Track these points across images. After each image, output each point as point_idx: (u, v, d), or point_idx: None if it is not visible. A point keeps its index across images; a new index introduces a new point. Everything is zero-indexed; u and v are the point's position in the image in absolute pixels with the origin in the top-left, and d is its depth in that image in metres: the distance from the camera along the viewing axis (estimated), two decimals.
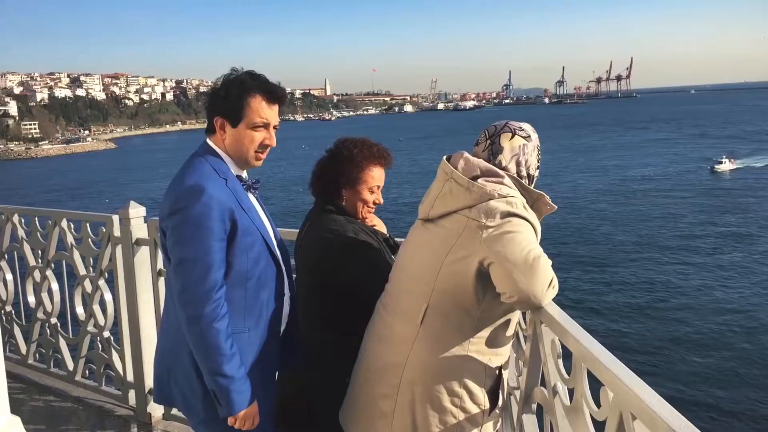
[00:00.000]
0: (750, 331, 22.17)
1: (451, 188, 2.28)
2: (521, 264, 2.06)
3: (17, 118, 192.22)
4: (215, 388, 2.25)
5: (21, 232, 5.07)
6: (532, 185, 2.37)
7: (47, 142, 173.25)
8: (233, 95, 2.34)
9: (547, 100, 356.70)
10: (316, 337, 2.69)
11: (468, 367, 2.26)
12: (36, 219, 4.98)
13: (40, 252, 5.00)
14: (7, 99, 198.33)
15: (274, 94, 2.40)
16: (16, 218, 5.08)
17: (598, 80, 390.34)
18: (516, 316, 2.38)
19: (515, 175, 2.32)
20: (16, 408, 4.59)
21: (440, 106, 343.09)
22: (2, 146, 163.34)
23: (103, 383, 4.71)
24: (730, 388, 17.96)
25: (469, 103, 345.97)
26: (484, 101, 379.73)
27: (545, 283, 2.08)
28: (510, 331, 2.35)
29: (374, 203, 2.80)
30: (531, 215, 2.22)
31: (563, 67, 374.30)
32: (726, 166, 58.68)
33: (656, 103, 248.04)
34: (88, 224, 4.60)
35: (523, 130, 2.40)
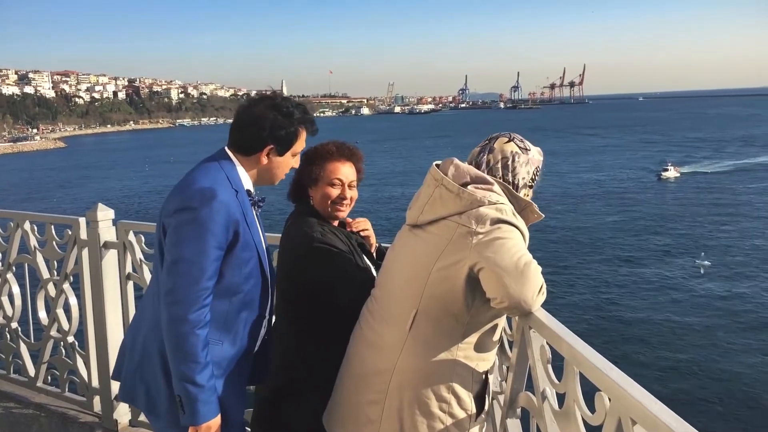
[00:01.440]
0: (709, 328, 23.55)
1: (441, 194, 2.30)
2: (512, 270, 2.09)
3: None
4: (182, 394, 2.21)
5: None
6: (527, 196, 2.41)
7: None
8: (291, 127, 2.39)
9: (502, 105, 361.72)
10: (291, 342, 2.69)
11: (456, 373, 2.28)
12: None
13: (0, 255, 4.86)
14: None
15: (314, 127, 2.52)
16: None
17: (552, 86, 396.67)
18: (502, 322, 2.41)
19: (501, 180, 2.37)
20: None
21: (397, 109, 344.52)
22: None
23: (67, 389, 4.60)
24: (710, 383, 18.99)
25: (425, 107, 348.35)
26: (440, 105, 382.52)
27: (535, 288, 2.12)
28: (496, 336, 2.38)
29: (340, 197, 2.78)
30: (520, 222, 2.26)
31: (518, 73, 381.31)
32: (671, 173, 60.50)
33: (607, 110, 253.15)
34: (53, 226, 4.48)
35: (522, 141, 2.45)
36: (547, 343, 2.13)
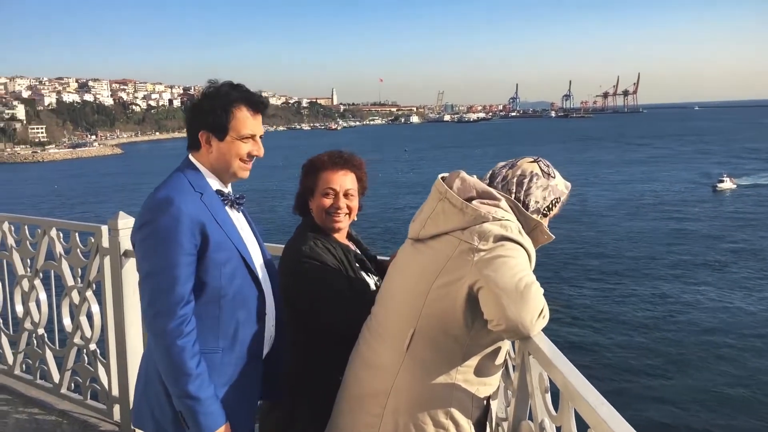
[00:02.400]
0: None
1: (444, 208, 2.19)
2: (511, 290, 1.96)
3: (25, 121, 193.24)
4: (182, 409, 2.16)
5: (10, 241, 4.98)
6: (539, 218, 2.29)
7: (54, 146, 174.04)
8: (218, 108, 2.29)
9: (553, 114, 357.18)
10: (295, 365, 2.63)
11: (455, 397, 2.16)
12: (26, 227, 4.89)
13: (29, 261, 4.92)
14: (15, 103, 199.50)
15: (258, 104, 2.36)
16: (6, 226, 5.00)
17: (605, 95, 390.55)
18: (506, 345, 2.28)
19: (512, 197, 2.24)
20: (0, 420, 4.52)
21: (446, 117, 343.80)
22: (9, 150, 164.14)
23: (89, 397, 4.61)
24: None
25: (473, 116, 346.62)
26: (491, 113, 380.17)
27: (535, 312, 1.98)
28: (499, 360, 2.26)
29: (334, 207, 2.70)
30: (526, 240, 2.13)
31: (570, 81, 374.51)
32: (727, 185, 58.37)
33: (661, 119, 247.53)
34: (77, 234, 4.51)
35: (548, 167, 2.34)
36: (545, 371, 1.99)
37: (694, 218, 44.71)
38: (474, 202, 2.16)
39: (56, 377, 4.79)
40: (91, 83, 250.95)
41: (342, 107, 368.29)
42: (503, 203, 2.19)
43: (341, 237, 2.78)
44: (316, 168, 2.75)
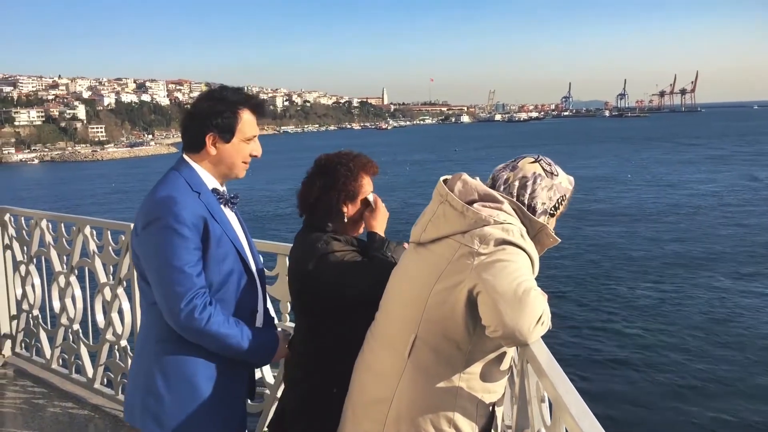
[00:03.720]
0: None
1: (445, 212, 2.14)
2: (509, 296, 1.88)
3: (85, 121, 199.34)
4: (254, 361, 2.50)
5: (48, 238, 5.12)
6: (546, 219, 2.22)
7: (113, 145, 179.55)
8: (227, 111, 2.37)
9: (607, 113, 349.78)
10: (310, 347, 2.62)
11: (458, 405, 2.09)
12: (62, 225, 5.02)
13: (65, 258, 5.04)
14: (76, 103, 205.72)
15: (261, 107, 2.47)
16: (44, 224, 5.14)
17: (662, 94, 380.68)
18: (511, 350, 2.20)
19: (516, 200, 2.17)
20: (36, 413, 4.64)
21: (497, 117, 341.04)
22: (70, 148, 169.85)
23: (120, 392, 4.69)
24: None
25: (524, 115, 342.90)
26: (542, 113, 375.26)
27: (533, 319, 1.90)
28: (504, 366, 2.18)
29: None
30: (528, 244, 2.05)
31: (625, 80, 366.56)
32: None
33: (720, 118, 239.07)
34: (108, 232, 4.62)
35: (550, 165, 2.26)
36: (539, 381, 1.92)
37: (749, 220, 42.81)
38: (475, 205, 2.10)
39: (90, 372, 4.90)
40: (148, 84, 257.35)
41: (392, 107, 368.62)
42: (506, 206, 2.12)
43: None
44: (364, 171, 2.70)
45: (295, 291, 2.68)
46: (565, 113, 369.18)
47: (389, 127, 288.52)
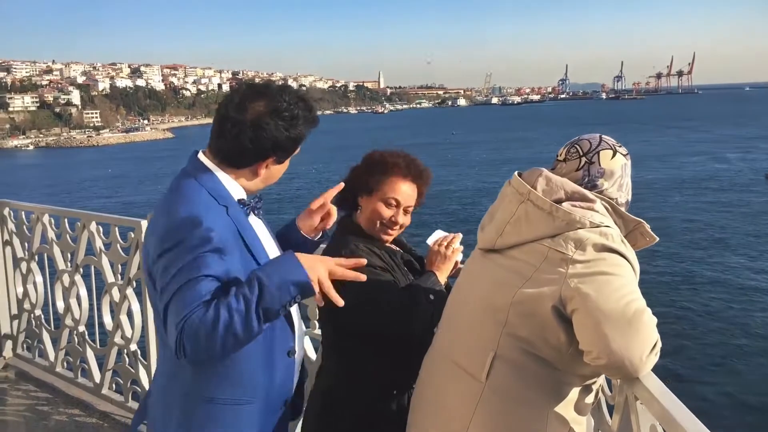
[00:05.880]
0: None
1: (528, 212, 1.81)
2: (617, 317, 1.58)
3: (80, 106, 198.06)
4: (282, 305, 1.72)
5: (51, 234, 4.79)
6: (627, 211, 1.90)
7: (108, 130, 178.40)
8: (297, 134, 1.94)
9: (604, 96, 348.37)
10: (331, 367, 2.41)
11: None
12: (66, 220, 4.69)
13: (69, 255, 4.72)
14: (70, 88, 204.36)
15: (315, 125, 2.03)
16: (46, 218, 4.81)
17: (659, 76, 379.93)
18: (601, 379, 1.90)
19: (615, 202, 1.86)
20: (40, 420, 4.35)
21: (494, 100, 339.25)
22: (65, 134, 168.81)
23: (130, 399, 4.39)
24: None
25: (517, 98, 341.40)
26: (539, 96, 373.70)
27: (646, 346, 1.60)
28: (590, 398, 1.86)
29: (391, 221, 2.35)
30: (630, 252, 1.74)
31: (622, 62, 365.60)
32: None
33: (716, 101, 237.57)
34: (117, 228, 4.28)
35: (621, 146, 1.94)
36: (660, 425, 1.59)
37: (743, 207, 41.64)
38: (564, 204, 1.78)
39: (97, 377, 4.58)
40: (143, 68, 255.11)
41: (389, 90, 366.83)
42: (598, 205, 1.79)
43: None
44: (388, 169, 2.36)
45: None
46: (562, 96, 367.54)
47: (386, 111, 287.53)
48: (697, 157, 68.07)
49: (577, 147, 1.94)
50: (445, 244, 2.43)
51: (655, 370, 1.67)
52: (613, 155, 1.91)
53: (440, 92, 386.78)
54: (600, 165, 1.89)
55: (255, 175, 1.97)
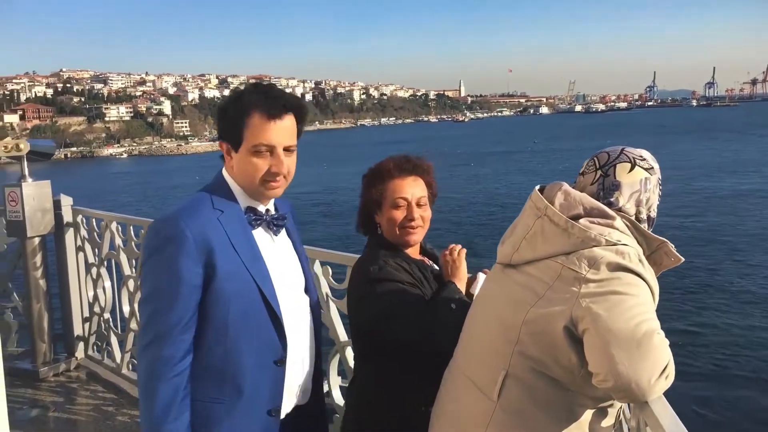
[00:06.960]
0: None
1: (544, 228, 1.75)
2: (626, 338, 1.51)
3: (170, 116, 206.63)
4: None
5: (118, 240, 5.02)
6: (651, 230, 1.80)
7: (196, 139, 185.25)
8: (231, 114, 1.93)
9: (694, 103, 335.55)
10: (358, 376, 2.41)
11: None
12: (131, 227, 4.91)
13: (134, 261, 4.92)
14: (162, 99, 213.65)
15: (275, 107, 1.91)
16: (114, 226, 5.04)
17: (754, 82, 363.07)
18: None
19: (633, 218, 1.76)
20: (105, 420, 4.52)
21: (578, 108, 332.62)
22: (156, 143, 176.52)
23: None
24: None
25: (601, 106, 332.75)
26: (626, 103, 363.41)
27: (656, 370, 1.52)
28: (609, 421, 1.77)
29: (408, 219, 2.32)
30: (648, 272, 1.65)
31: (714, 68, 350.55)
32: None
33: None
34: (131, 227, 4.86)
35: (644, 159, 1.83)
36: None
37: None
38: (581, 220, 1.71)
39: (118, 358, 5.08)
40: (230, 79, 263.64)
41: (469, 99, 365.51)
42: (618, 222, 1.71)
43: (414, 252, 2.42)
44: (381, 177, 2.37)
45: (348, 310, 2.47)
46: (649, 103, 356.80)
47: (466, 119, 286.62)
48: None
49: (595, 159, 1.86)
50: (448, 252, 2.42)
51: (669, 394, 1.57)
52: (632, 168, 1.80)
53: (522, 100, 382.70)
54: (615, 178, 1.80)
55: (231, 166, 1.98)
